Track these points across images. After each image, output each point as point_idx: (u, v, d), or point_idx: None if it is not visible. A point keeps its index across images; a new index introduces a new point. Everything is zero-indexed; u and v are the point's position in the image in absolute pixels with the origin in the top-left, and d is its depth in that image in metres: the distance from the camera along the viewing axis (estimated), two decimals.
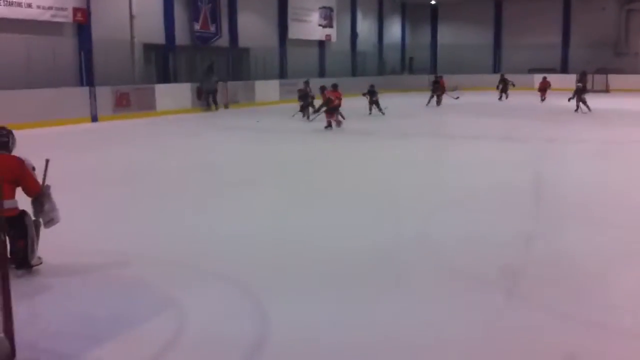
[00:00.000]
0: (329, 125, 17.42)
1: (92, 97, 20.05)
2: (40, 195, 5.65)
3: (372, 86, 22.23)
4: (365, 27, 40.89)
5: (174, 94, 23.41)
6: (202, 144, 15.82)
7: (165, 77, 24.69)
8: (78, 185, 9.90)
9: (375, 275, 5.71)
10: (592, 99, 22.79)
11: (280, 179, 10.80)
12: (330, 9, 36.05)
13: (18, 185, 5.58)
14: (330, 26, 36.17)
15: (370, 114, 21.58)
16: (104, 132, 17.80)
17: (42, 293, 5.31)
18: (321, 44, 35.95)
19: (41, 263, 5.67)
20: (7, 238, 5.35)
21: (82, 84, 20.71)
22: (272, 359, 4.18)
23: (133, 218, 7.95)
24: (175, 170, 11.67)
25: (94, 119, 19.97)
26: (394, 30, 45.23)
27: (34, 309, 4.92)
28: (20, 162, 5.56)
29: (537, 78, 29.17)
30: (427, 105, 25.89)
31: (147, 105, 21.92)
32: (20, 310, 4.10)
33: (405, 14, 46.49)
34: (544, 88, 27.61)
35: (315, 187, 10.08)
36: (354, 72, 38.00)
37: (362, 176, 10.88)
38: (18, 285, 4.84)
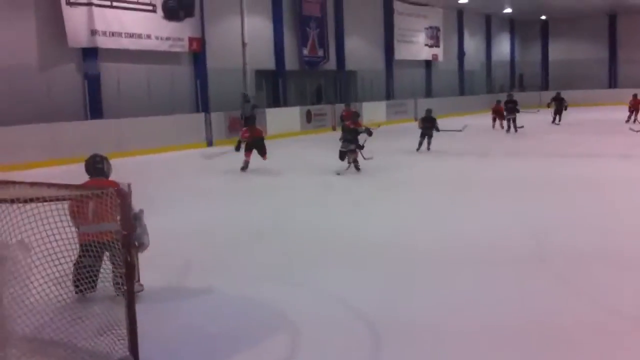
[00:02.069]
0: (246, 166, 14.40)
1: (207, 122, 20.98)
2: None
3: (428, 111, 17.75)
4: (473, 45, 40.51)
5: (284, 117, 24.09)
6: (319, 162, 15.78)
7: (276, 101, 25.47)
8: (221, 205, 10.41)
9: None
10: None
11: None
12: (437, 29, 36.00)
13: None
14: (437, 46, 36.10)
15: (420, 149, 17.20)
16: (222, 156, 18.08)
17: (158, 312, 5.51)
18: (428, 64, 35.93)
19: (142, 290, 5.69)
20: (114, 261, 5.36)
21: (197, 110, 21.73)
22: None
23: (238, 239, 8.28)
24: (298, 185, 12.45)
25: (210, 143, 20.85)
26: (502, 47, 44.53)
27: (154, 328, 5.05)
28: (115, 186, 5.32)
29: None
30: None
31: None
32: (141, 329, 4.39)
33: (514, 30, 45.69)
34: (636, 108, 24.44)
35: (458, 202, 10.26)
36: (462, 91, 37.66)
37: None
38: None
